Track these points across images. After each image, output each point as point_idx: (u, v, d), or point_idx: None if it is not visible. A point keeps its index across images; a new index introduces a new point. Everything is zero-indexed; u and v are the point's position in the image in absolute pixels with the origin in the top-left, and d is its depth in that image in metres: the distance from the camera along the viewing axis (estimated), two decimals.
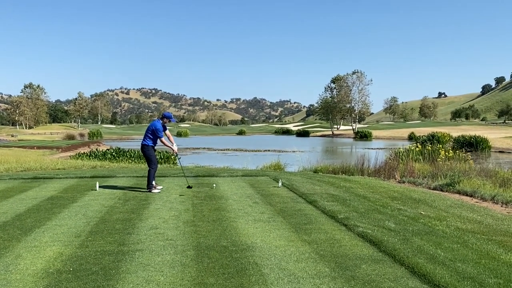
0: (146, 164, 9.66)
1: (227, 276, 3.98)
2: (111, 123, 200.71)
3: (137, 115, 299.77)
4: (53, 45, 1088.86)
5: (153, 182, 8.88)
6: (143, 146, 8.90)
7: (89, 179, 10.60)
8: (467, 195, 10.39)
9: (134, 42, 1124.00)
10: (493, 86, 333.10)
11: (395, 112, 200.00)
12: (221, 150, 48.88)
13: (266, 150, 45.49)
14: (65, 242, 5.03)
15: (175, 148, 9.17)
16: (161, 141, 8.93)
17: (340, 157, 34.50)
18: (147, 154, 8.88)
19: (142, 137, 9.13)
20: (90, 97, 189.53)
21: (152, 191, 8.68)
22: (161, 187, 9.12)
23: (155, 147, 9.07)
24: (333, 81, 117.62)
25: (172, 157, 22.66)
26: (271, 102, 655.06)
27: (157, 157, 9.07)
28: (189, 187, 9.26)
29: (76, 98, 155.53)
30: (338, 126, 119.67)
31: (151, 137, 8.81)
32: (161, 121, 8.90)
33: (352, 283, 3.87)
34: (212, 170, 13.37)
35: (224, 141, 76.27)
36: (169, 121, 8.99)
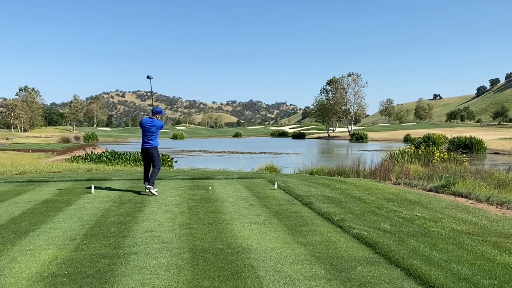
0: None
1: (222, 278, 3.98)
2: (107, 126, 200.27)
3: (132, 118, 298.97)
4: (48, 47, 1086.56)
5: (145, 184, 8.90)
6: None
7: (85, 182, 10.55)
8: (462, 196, 10.43)
9: (129, 44, 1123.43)
10: (488, 88, 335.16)
11: (391, 114, 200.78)
12: (217, 152, 48.90)
13: (262, 153, 45.58)
14: (60, 246, 5.01)
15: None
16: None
17: (336, 159, 34.61)
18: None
19: (138, 139, 9.10)
20: (85, 100, 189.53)
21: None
22: (149, 187, 8.85)
23: (148, 147, 8.70)
24: (329, 83, 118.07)
25: (167, 160, 22.63)
26: (267, 105, 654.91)
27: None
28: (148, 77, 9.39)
29: (71, 101, 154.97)
30: (334, 128, 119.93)
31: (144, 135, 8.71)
32: (154, 118, 8.73)
33: (347, 285, 3.88)
34: (208, 173, 13.34)
35: (220, 143, 76.27)
36: (160, 114, 8.86)
